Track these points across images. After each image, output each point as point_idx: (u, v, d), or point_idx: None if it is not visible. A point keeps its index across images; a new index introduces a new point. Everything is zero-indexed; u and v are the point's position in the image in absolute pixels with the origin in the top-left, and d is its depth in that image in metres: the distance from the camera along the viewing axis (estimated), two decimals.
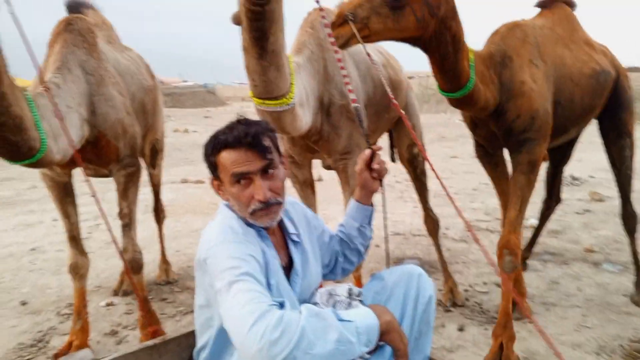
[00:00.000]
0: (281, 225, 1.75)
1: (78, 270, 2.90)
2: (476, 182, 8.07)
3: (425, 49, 2.37)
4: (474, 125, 3.05)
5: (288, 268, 1.72)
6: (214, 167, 1.60)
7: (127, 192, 2.86)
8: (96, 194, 2.35)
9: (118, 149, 2.75)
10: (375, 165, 1.86)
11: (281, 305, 1.33)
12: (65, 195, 2.91)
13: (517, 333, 3.08)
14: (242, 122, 1.60)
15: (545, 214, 4.25)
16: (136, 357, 1.90)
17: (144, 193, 4.31)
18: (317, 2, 2.14)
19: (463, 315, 3.38)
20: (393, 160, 4.01)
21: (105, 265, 4.50)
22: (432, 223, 3.85)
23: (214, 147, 1.58)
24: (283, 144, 2.99)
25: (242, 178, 1.54)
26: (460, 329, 3.17)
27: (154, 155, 4.07)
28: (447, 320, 3.31)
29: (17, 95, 1.97)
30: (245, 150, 1.53)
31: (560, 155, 4.00)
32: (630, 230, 3.55)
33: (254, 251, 1.48)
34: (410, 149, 3.75)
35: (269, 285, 1.50)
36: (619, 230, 3.62)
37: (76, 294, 2.96)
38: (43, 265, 4.63)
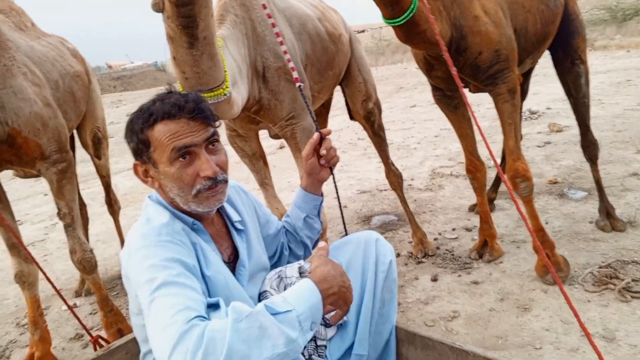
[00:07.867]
0: (222, 212, 1.57)
1: (25, 279, 2.71)
2: (437, 129, 8.02)
3: None
4: (429, 66, 2.91)
5: (233, 259, 1.55)
6: (144, 146, 1.36)
7: (62, 190, 2.62)
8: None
9: (40, 146, 2.49)
10: (322, 151, 1.69)
11: (216, 306, 1.18)
12: None
13: (489, 275, 3.07)
14: (176, 92, 1.39)
15: None
16: None
17: (98, 185, 4.09)
18: None
19: (435, 264, 3.34)
20: (352, 117, 3.88)
21: (65, 267, 4.29)
22: (394, 177, 3.75)
23: (145, 121, 1.34)
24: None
25: (185, 152, 1.33)
26: (434, 279, 3.13)
27: (98, 145, 3.81)
28: (420, 272, 3.27)
29: None
30: (187, 120, 1.33)
31: None
32: (591, 158, 3.52)
33: (180, 252, 1.28)
34: (365, 104, 3.59)
35: (207, 284, 1.33)
36: (579, 158, 3.60)
37: (28, 303, 2.77)
38: None
